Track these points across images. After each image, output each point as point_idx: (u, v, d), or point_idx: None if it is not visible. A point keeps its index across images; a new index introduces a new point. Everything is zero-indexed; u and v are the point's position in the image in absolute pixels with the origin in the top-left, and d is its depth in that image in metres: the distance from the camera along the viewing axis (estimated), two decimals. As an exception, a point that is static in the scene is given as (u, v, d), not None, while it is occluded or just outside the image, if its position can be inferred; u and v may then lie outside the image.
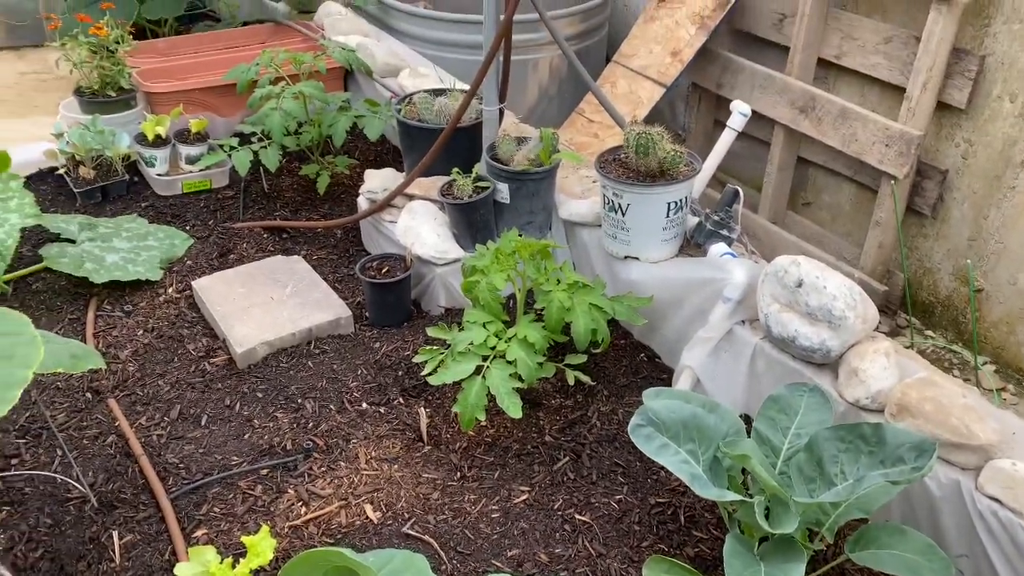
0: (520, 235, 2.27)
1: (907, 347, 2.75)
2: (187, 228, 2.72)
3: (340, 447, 1.91)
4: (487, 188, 2.29)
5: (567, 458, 1.89)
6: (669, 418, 1.49)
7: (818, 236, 3.46)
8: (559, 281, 1.88)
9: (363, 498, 1.79)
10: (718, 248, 2.05)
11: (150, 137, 2.86)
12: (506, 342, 1.85)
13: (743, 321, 1.95)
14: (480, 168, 2.36)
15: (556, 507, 1.77)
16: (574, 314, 1.83)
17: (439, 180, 2.42)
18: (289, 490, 1.80)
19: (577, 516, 1.75)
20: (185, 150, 2.93)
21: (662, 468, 1.83)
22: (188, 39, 3.41)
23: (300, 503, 1.77)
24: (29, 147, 2.86)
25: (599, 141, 3.65)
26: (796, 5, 3.28)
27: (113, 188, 2.83)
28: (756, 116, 3.43)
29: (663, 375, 2.15)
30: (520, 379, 1.81)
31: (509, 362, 1.81)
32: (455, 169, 2.33)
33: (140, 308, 2.39)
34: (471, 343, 1.83)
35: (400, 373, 2.15)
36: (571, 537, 1.71)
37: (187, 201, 2.86)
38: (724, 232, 2.08)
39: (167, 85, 3.00)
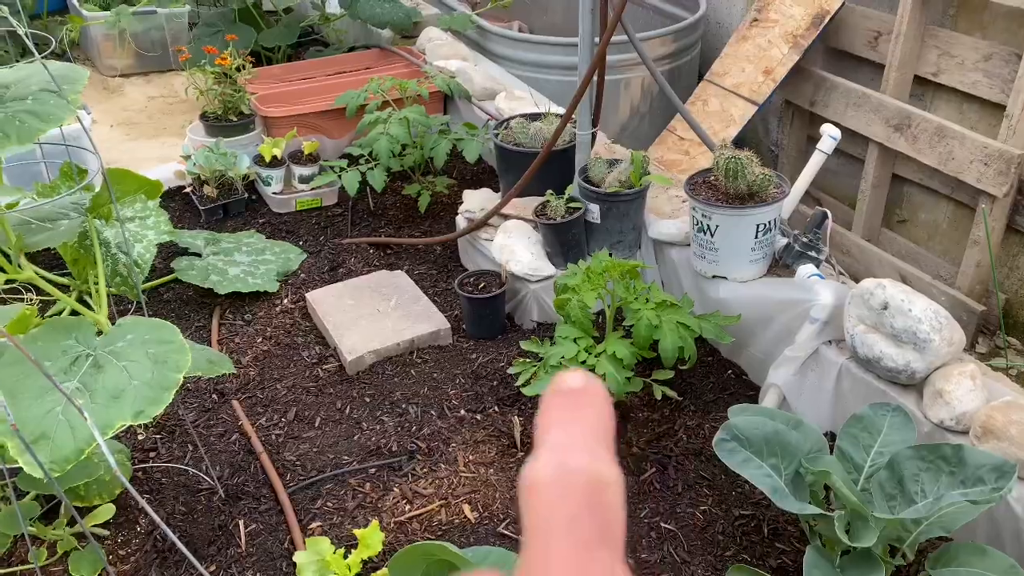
0: (610, 254, 2.38)
1: (1005, 369, 2.73)
2: (300, 243, 2.93)
3: (441, 450, 2.06)
4: (579, 209, 2.40)
5: (654, 469, 1.99)
6: (752, 434, 1.57)
7: (914, 254, 3.44)
8: (647, 300, 1.97)
9: (461, 499, 1.93)
10: (806, 269, 2.11)
11: (267, 158, 3.09)
12: (596, 357, 1.95)
13: (829, 341, 2.00)
14: (573, 190, 2.47)
15: (643, 515, 1.87)
16: (662, 332, 1.92)
17: (533, 201, 2.55)
18: (395, 488, 1.96)
19: (663, 524, 1.84)
20: (298, 170, 3.15)
21: (746, 482, 1.90)
22: (301, 65, 3.65)
23: (404, 501, 1.92)
24: (161, 168, 3.13)
25: (690, 159, 3.72)
26: (891, 24, 3.28)
27: (234, 206, 3.07)
28: (850, 133, 3.44)
29: (750, 392, 2.21)
30: (609, 392, 1.91)
31: (599, 376, 1.91)
32: (549, 191, 2.46)
33: (259, 317, 2.60)
34: (563, 357, 1.94)
35: (495, 383, 2.28)
36: (657, 544, 1.80)
37: (300, 218, 3.07)
38: (812, 254, 2.14)
39: (283, 110, 3.23)
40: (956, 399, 1.70)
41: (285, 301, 2.68)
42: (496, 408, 2.19)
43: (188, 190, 3.08)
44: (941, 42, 3.20)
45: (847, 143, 3.50)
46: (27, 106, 1.44)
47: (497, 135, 2.66)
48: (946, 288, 3.11)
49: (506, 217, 2.60)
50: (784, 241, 2.22)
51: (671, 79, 3.95)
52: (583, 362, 1.94)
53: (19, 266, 1.61)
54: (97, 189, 1.85)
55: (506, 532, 1.84)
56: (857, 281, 3.45)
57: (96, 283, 1.73)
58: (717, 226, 2.15)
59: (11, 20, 1.43)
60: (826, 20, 3.46)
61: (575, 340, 1.98)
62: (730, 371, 2.28)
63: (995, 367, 2.85)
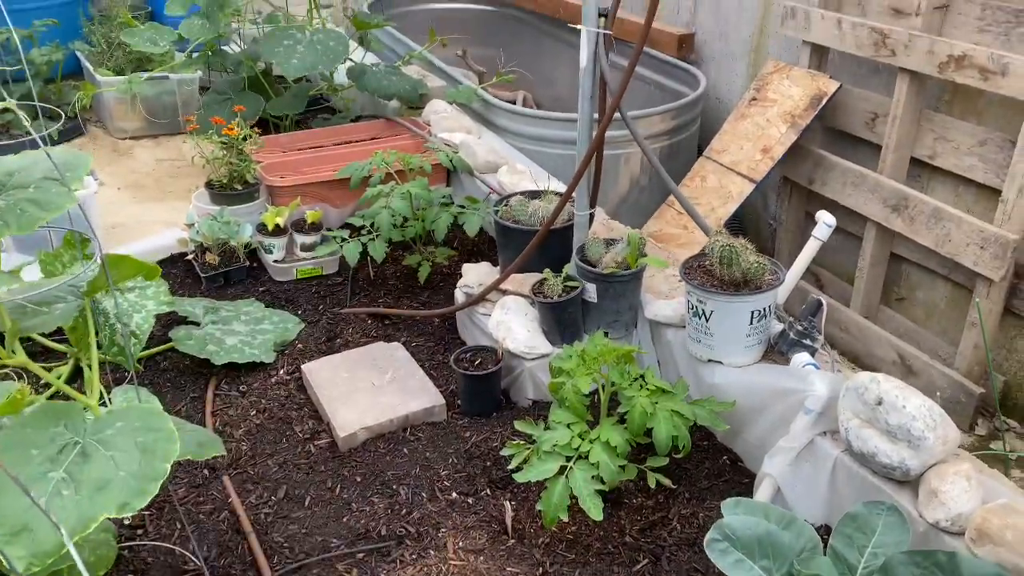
0: (606, 334, 2.39)
1: (1004, 454, 2.70)
2: (299, 312, 2.94)
3: (430, 535, 2.03)
4: (576, 288, 2.41)
5: (646, 560, 1.96)
6: (745, 534, 1.55)
7: (912, 333, 3.44)
8: (642, 386, 1.97)
9: (449, 588, 1.90)
10: (801, 358, 2.10)
11: (270, 227, 3.12)
12: (589, 443, 1.94)
13: (824, 432, 1.99)
14: (570, 268, 2.49)
15: (635, 609, 1.84)
16: (656, 420, 1.91)
17: (531, 277, 2.57)
18: (382, 575, 1.93)
19: (655, 620, 1.81)
20: (300, 239, 3.18)
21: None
22: (307, 134, 3.70)
23: (391, 590, 1.89)
24: (166, 232, 3.16)
25: (688, 232, 3.74)
26: (888, 106, 3.34)
27: (235, 273, 3.08)
28: (848, 211, 3.47)
29: (745, 479, 2.19)
30: (602, 481, 1.90)
31: (592, 463, 1.90)
32: (547, 269, 2.47)
33: (254, 388, 2.59)
34: (555, 443, 1.93)
35: (488, 463, 2.26)
36: (648, 640, 1.77)
37: (300, 286, 3.09)
38: (807, 342, 2.14)
39: (288, 179, 3.27)
40: (951, 499, 1.68)
41: (281, 372, 2.67)
42: (488, 491, 2.17)
43: (191, 257, 3.11)
44: (937, 126, 3.25)
45: (845, 221, 3.53)
46: (29, 194, 1.46)
47: (497, 212, 2.69)
48: (945, 369, 3.10)
49: (504, 292, 2.61)
50: (780, 327, 2.22)
51: (671, 154, 4.02)
52: (576, 448, 1.93)
53: (12, 351, 1.62)
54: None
55: (494, 624, 1.81)
56: (856, 361, 3.44)
57: (89, 364, 1.73)
58: (712, 311, 2.16)
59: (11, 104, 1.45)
60: (824, 101, 3.52)
61: (569, 425, 1.97)
62: (725, 457, 2.26)
63: (995, 451, 2.83)
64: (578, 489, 1.87)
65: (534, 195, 2.74)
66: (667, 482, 2.06)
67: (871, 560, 1.60)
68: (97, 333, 2.36)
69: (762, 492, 2.03)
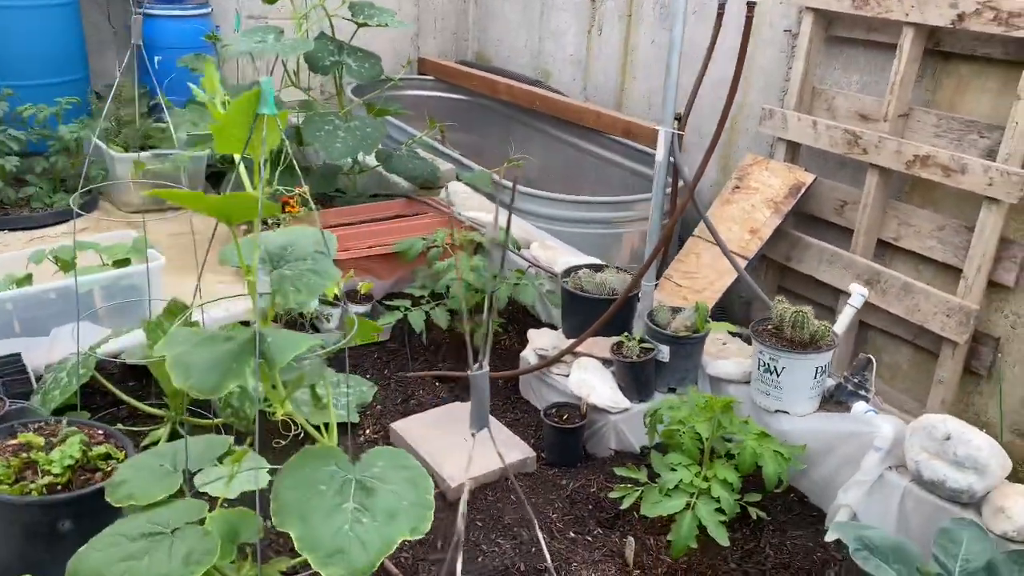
0: (674, 390, 2.74)
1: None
2: (368, 376, 3.14)
3: (565, 569, 2.28)
4: (652, 350, 2.76)
5: (756, 582, 2.28)
6: (881, 544, 1.91)
7: (879, 390, 3.95)
8: (752, 433, 2.32)
9: (596, 614, 2.15)
10: (860, 406, 2.51)
11: (329, 297, 3.32)
12: (705, 480, 2.26)
13: (890, 467, 2.39)
14: (638, 331, 2.84)
15: (761, 622, 2.14)
16: (764, 459, 2.26)
17: (599, 340, 2.89)
18: (534, 607, 2.16)
19: (782, 629, 2.12)
20: (354, 308, 3.39)
21: (839, 589, 2.22)
22: (343, 211, 3.93)
23: (546, 617, 2.13)
24: (226, 305, 3.31)
25: (687, 303, 4.18)
26: (855, 195, 3.91)
27: (298, 340, 3.25)
28: (820, 285, 3.99)
29: (813, 512, 2.55)
30: (723, 512, 2.21)
31: (714, 498, 2.22)
32: (625, 333, 2.81)
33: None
34: (680, 481, 2.24)
35: (591, 507, 2.54)
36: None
37: (361, 353, 3.30)
38: (862, 392, 2.55)
39: (341, 254, 3.49)
40: (1017, 514, 2.09)
41: (368, 431, 2.87)
42: (600, 530, 2.44)
43: (255, 325, 3.26)
44: (900, 213, 3.83)
45: (818, 294, 4.05)
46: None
47: (567, 282, 3.02)
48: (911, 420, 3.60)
49: (576, 354, 2.92)
50: (833, 381, 2.63)
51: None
52: (696, 486, 2.24)
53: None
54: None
55: (646, 641, 2.07)
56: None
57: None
58: (784, 368, 2.54)
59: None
60: (802, 191, 4.06)
61: (687, 467, 2.28)
62: (792, 495, 2.62)
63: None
64: (705, 520, 2.18)
65: (597, 268, 3.09)
66: (763, 515, 2.39)
67: (964, 564, 1.99)
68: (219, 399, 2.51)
69: (840, 519, 2.40)
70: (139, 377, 3.03)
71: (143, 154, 4.32)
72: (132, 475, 1.80)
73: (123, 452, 2.12)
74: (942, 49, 3.62)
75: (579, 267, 3.12)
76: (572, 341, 2.88)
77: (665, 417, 2.39)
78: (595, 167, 5.29)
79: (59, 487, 1.97)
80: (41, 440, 2.06)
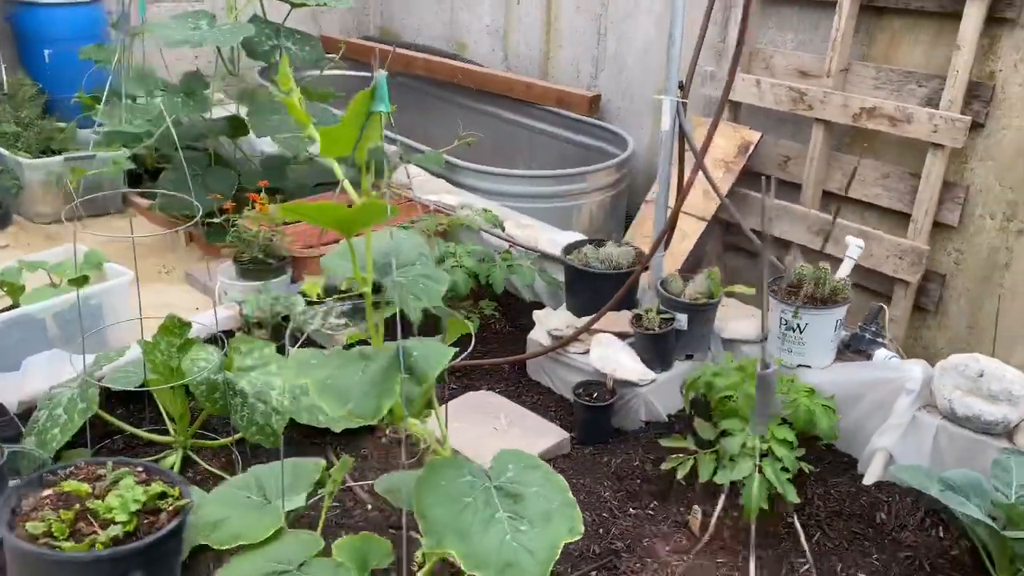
0: (691, 356, 2.78)
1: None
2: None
3: (639, 545, 2.28)
4: (673, 319, 2.78)
5: (817, 532, 2.35)
6: (960, 482, 2.02)
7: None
8: (800, 390, 2.38)
9: (681, 585, 2.16)
10: (882, 353, 2.63)
11: (313, 296, 3.15)
12: (765, 443, 2.31)
13: (920, 407, 2.51)
14: (646, 303, 2.85)
15: (838, 569, 2.22)
16: (818, 415, 2.33)
17: (611, 315, 2.89)
18: (623, 586, 2.15)
19: (859, 574, 2.20)
20: (338, 306, 3.23)
21: (896, 529, 2.33)
22: (296, 203, 3.72)
23: (638, 595, 2.12)
24: (207, 314, 3.08)
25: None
26: (798, 150, 4.06)
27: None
28: (775, 240, 4.13)
29: (843, 460, 2.65)
30: (788, 470, 2.27)
31: (778, 458, 2.27)
32: (645, 306, 2.82)
33: (374, 451, 2.66)
34: (743, 444, 2.27)
35: (639, 481, 2.54)
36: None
37: (355, 351, 3.15)
38: (880, 340, 2.67)
39: (313, 250, 3.31)
40: (1052, 438, 2.25)
41: (388, 431, 2.75)
42: (656, 502, 2.45)
43: (239, 335, 3.05)
44: (844, 164, 4.00)
45: (774, 249, 4.20)
46: (419, 271, 1.58)
47: (572, 259, 2.98)
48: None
49: (591, 332, 2.90)
50: (846, 332, 2.74)
51: (615, 204, 4.51)
52: (759, 449, 2.29)
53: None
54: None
55: (741, 605, 2.10)
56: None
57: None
58: (807, 324, 2.62)
59: None
60: (751, 149, 4.17)
61: (742, 430, 2.32)
62: (820, 443, 2.72)
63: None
64: (775, 480, 2.23)
65: (599, 244, 3.07)
66: (812, 468, 2.46)
67: (1019, 489, 2.12)
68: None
69: (876, 463, 2.51)
70: (126, 403, 2.78)
71: (54, 159, 3.94)
72: (225, 512, 1.65)
73: (176, 488, 1.94)
74: (876, 4, 3.78)
75: (581, 243, 3.10)
76: (589, 318, 2.86)
77: (712, 384, 2.42)
78: (527, 139, 5.25)
79: (125, 536, 1.78)
80: (86, 487, 1.86)
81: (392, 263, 1.59)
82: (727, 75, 2.88)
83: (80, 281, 3.00)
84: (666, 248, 2.93)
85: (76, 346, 2.90)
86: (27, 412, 2.70)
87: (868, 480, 2.52)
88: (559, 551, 1.49)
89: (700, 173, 2.81)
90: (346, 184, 1.55)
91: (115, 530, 1.72)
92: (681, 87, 2.73)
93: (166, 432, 2.63)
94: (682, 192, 2.75)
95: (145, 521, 1.83)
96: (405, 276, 1.59)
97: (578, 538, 1.54)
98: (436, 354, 1.49)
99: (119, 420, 2.61)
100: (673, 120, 2.75)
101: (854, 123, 3.77)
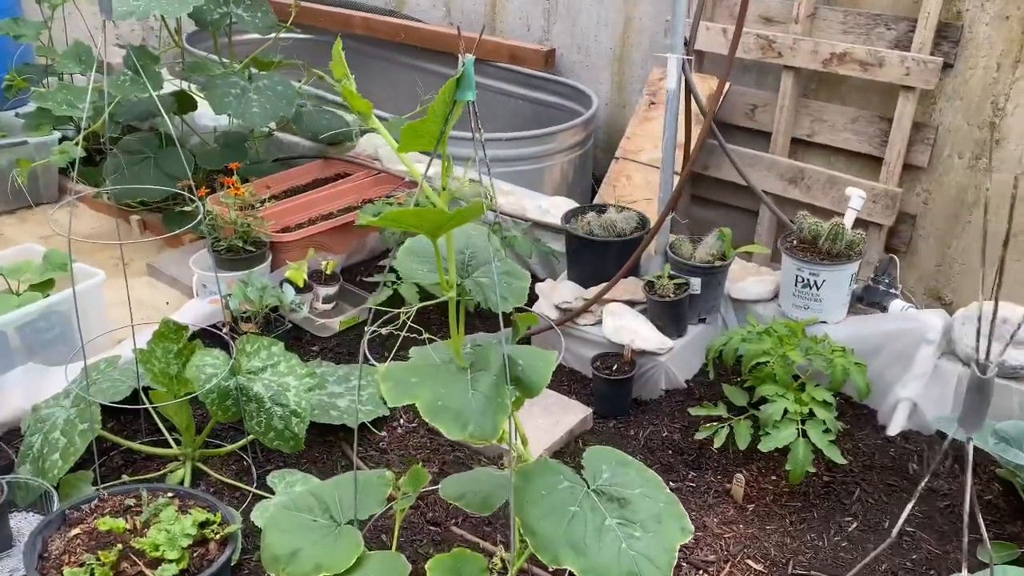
0: (703, 319, 2.74)
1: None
2: (369, 362, 2.87)
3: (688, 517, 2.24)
4: (687, 285, 2.72)
5: (857, 489, 2.36)
6: (1013, 433, 2.04)
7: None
8: (832, 350, 2.36)
9: (738, 556, 2.14)
10: (897, 304, 2.63)
11: (299, 283, 2.97)
12: (803, 404, 2.29)
13: (940, 355, 2.54)
14: (652, 269, 2.78)
15: (886, 525, 2.23)
16: (853, 374, 2.32)
17: (619, 284, 2.81)
18: (683, 563, 2.11)
19: (906, 527, 2.22)
20: (323, 290, 3.07)
21: (931, 478, 2.36)
22: (260, 185, 3.47)
23: (699, 571, 2.09)
24: (191, 308, 2.87)
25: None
26: (765, 98, 4.03)
27: (280, 339, 2.90)
28: (740, 189, 4.12)
29: (863, 413, 2.67)
30: (830, 431, 2.26)
31: (820, 420, 2.25)
32: (654, 272, 2.75)
33: (391, 443, 2.54)
34: (785, 410, 2.25)
35: (671, 451, 2.50)
36: (913, 545, 2.17)
37: (349, 338, 3.00)
38: (893, 291, 2.67)
39: (295, 233, 3.12)
40: (1077, 379, 2.30)
41: (402, 421, 2.64)
42: (694, 473, 2.42)
43: (225, 330, 2.85)
44: (812, 111, 4.00)
45: (736, 197, 4.19)
46: (500, 269, 1.46)
47: (574, 228, 2.88)
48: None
49: (602, 302, 2.82)
50: (858, 285, 2.74)
51: (583, 163, 4.41)
52: (801, 412, 2.26)
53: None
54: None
55: (798, 572, 2.09)
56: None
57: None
58: (824, 280, 2.60)
59: None
60: (720, 99, 4.12)
61: (783, 395, 2.29)
62: (838, 396, 2.73)
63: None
64: (820, 443, 2.21)
65: (600, 211, 2.98)
66: (842, 425, 2.46)
67: (1056, 433, 2.17)
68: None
69: (900, 413, 2.53)
70: (116, 414, 2.57)
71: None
72: (295, 541, 1.51)
73: (217, 514, 1.79)
74: (841, -53, 3.75)
75: (582, 209, 3.00)
76: (599, 289, 2.78)
77: (742, 350, 2.38)
78: (479, 98, 5.06)
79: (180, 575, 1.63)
80: (122, 523, 1.69)
81: (465, 260, 1.47)
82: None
83: (43, 285, 2.75)
84: (673, 209, 2.86)
85: (48, 358, 2.67)
86: (9, 434, 2.47)
87: (892, 431, 2.55)
88: (676, 553, 1.42)
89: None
90: (425, 186, 1.41)
91: (170, 570, 1.57)
92: (686, 43, 2.64)
93: (166, 443, 2.45)
94: (692, 154, 2.68)
95: (195, 554, 1.68)
96: (487, 275, 1.46)
97: (690, 538, 1.47)
98: (542, 362, 1.39)
99: (111, 434, 2.42)
100: (679, 78, 2.65)
101: (824, 68, 3.75)
